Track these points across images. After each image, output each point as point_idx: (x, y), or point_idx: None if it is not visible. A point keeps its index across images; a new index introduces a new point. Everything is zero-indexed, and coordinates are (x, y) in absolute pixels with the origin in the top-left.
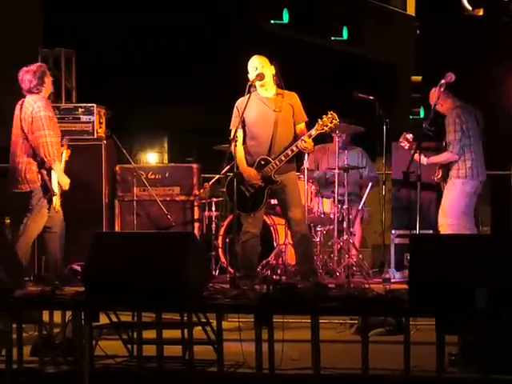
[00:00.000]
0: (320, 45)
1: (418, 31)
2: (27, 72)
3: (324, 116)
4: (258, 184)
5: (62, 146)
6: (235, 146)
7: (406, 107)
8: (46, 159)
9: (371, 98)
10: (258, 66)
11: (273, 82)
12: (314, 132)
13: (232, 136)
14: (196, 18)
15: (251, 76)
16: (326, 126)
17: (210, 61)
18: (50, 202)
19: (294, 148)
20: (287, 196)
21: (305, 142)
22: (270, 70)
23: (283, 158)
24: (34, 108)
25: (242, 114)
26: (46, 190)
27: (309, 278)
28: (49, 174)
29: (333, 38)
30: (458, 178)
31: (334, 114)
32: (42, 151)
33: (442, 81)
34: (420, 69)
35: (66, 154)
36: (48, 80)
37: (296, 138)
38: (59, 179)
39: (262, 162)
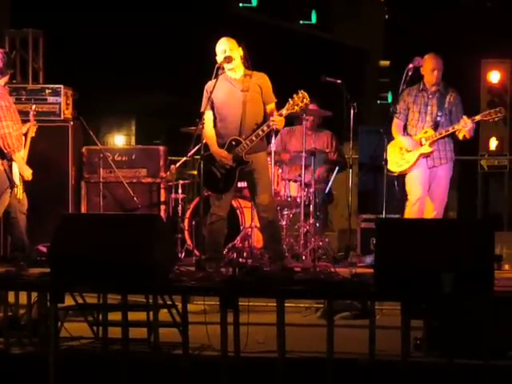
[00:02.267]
0: (288, 28)
1: (386, 16)
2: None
3: (294, 95)
4: (229, 165)
5: (27, 120)
6: (202, 128)
7: (374, 92)
8: (5, 150)
9: (339, 81)
10: (226, 48)
11: (241, 63)
12: (284, 111)
13: (200, 118)
14: (165, 1)
15: (219, 59)
16: (297, 105)
17: (179, 44)
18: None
19: (265, 128)
20: (256, 181)
21: (275, 121)
22: (238, 52)
23: (254, 138)
24: None
25: (210, 95)
26: (8, 180)
27: (275, 261)
28: (10, 165)
29: (301, 22)
30: (452, 159)
31: (305, 93)
32: (0, 143)
33: (410, 65)
34: (388, 53)
35: (32, 131)
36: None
37: (266, 118)
38: (20, 170)
39: (233, 143)
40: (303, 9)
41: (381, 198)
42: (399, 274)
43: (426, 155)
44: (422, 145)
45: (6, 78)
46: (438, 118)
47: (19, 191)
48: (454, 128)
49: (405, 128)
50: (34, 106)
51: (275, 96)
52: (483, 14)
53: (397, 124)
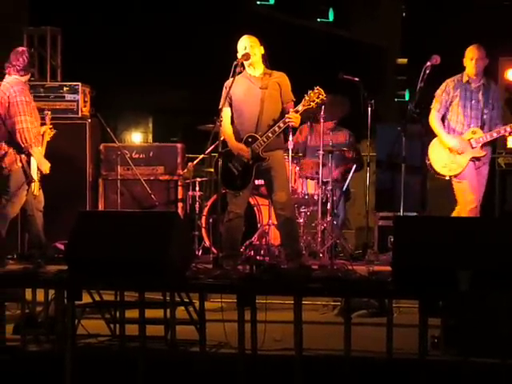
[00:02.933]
0: (306, 26)
1: (404, 14)
2: (24, 52)
3: (310, 91)
4: (247, 159)
5: (44, 123)
6: (220, 125)
7: (391, 89)
8: (23, 145)
9: (356, 79)
10: (247, 45)
11: (261, 61)
12: (300, 108)
13: (218, 115)
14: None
15: (239, 55)
16: (313, 101)
17: (197, 41)
18: (28, 186)
19: (282, 124)
20: (273, 179)
21: (292, 117)
22: (259, 50)
23: (270, 135)
24: (11, 93)
25: (228, 92)
26: (25, 175)
27: (293, 259)
28: (28, 160)
29: (319, 20)
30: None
31: (321, 89)
32: (18, 137)
33: (428, 63)
34: (406, 51)
35: (47, 134)
36: None
37: (283, 116)
38: (38, 164)
39: (250, 140)
40: (320, 7)
41: (398, 195)
42: (417, 271)
43: (478, 158)
44: (472, 147)
45: (28, 76)
46: (485, 116)
47: (36, 187)
48: (506, 130)
49: (442, 120)
50: (49, 112)
51: (293, 94)
52: (501, 12)
53: (436, 117)
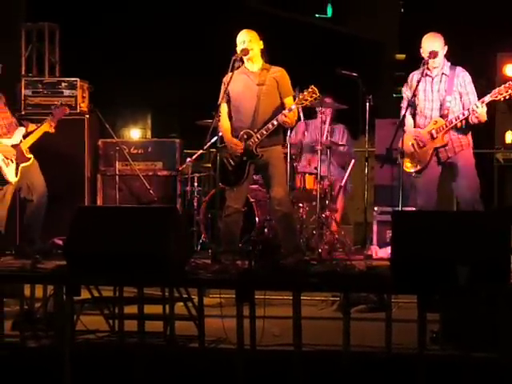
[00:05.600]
0: (304, 22)
1: (402, 9)
2: None
3: (305, 90)
4: (240, 153)
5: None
6: (218, 120)
7: (389, 85)
8: None
9: (354, 74)
10: (246, 40)
11: (260, 56)
12: (294, 106)
13: (216, 111)
14: None
15: (238, 50)
16: (306, 100)
17: (195, 36)
18: None
19: (275, 122)
20: (270, 174)
21: (285, 116)
22: (257, 45)
23: (264, 132)
24: None
25: (226, 88)
26: None
27: (291, 254)
28: None
29: (317, 16)
30: (470, 146)
31: (315, 88)
32: None
33: (426, 58)
34: (404, 47)
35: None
36: None
37: (283, 110)
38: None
39: (245, 136)
40: (319, 2)
41: (397, 190)
42: (415, 266)
43: (440, 148)
44: (434, 138)
45: None
46: (448, 104)
47: (9, 173)
48: (464, 114)
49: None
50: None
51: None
52: (498, 7)
53: (406, 119)
